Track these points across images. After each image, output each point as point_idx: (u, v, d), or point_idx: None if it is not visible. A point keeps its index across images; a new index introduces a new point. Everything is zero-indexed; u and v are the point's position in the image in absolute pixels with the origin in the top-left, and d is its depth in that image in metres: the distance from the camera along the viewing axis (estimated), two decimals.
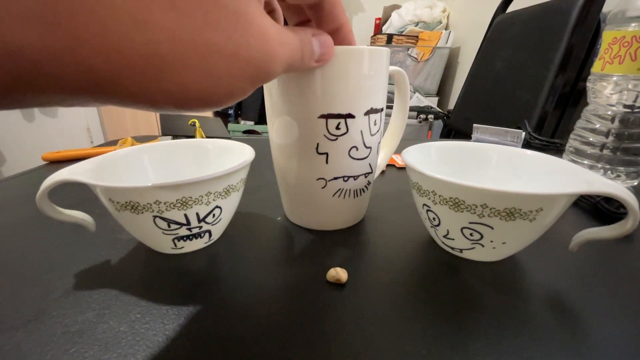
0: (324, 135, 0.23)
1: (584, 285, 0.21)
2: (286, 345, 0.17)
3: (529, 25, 0.89)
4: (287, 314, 0.19)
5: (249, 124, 1.91)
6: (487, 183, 0.20)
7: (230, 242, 0.26)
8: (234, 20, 0.12)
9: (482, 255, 0.23)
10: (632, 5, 0.33)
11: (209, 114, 1.76)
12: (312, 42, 0.17)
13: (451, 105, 1.67)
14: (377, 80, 0.23)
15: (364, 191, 0.27)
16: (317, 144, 0.23)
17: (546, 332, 0.17)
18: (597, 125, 0.37)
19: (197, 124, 0.62)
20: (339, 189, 0.25)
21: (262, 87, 0.21)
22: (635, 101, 0.34)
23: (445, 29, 1.78)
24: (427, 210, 0.23)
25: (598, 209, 0.31)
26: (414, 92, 1.57)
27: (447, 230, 0.23)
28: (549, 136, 0.77)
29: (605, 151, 0.36)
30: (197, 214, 0.22)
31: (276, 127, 0.25)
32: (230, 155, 0.28)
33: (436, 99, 1.75)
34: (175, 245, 0.23)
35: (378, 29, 1.97)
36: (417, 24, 1.76)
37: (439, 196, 0.21)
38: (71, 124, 1.79)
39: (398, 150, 0.30)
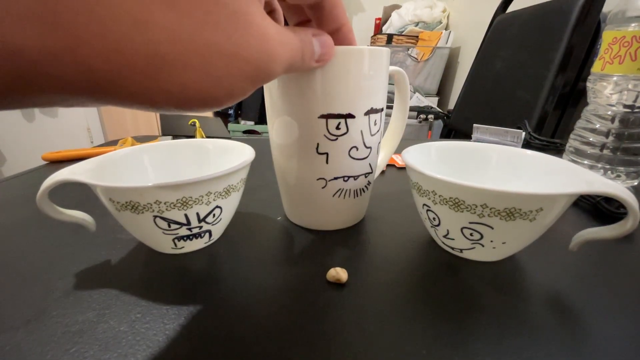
0: (324, 135, 0.23)
1: (584, 285, 0.21)
2: (286, 345, 0.17)
3: (529, 25, 0.89)
4: (287, 314, 0.19)
5: (249, 124, 1.91)
6: (487, 183, 0.20)
7: (231, 242, 0.26)
8: (234, 20, 0.12)
9: (482, 255, 0.23)
10: (632, 5, 0.33)
11: (209, 114, 1.76)
12: (313, 42, 0.17)
13: (451, 105, 1.67)
14: (377, 80, 0.23)
15: (364, 191, 0.27)
16: (317, 144, 0.23)
17: (546, 332, 0.17)
18: (597, 125, 0.37)
19: (197, 124, 0.62)
20: (339, 189, 0.25)
21: (262, 87, 0.21)
22: (635, 101, 0.34)
23: (445, 29, 1.78)
24: (427, 210, 0.23)
25: (598, 209, 0.31)
26: (414, 92, 1.57)
27: (447, 230, 0.23)
28: (549, 136, 0.76)
29: (605, 151, 0.36)
30: (198, 214, 0.22)
31: (276, 127, 0.25)
32: (230, 155, 0.28)
33: (436, 99, 1.75)
34: (175, 245, 0.23)
35: (378, 29, 1.97)
36: (417, 24, 1.76)
37: (439, 196, 0.21)
38: (71, 124, 1.79)
39: (398, 150, 0.30)
